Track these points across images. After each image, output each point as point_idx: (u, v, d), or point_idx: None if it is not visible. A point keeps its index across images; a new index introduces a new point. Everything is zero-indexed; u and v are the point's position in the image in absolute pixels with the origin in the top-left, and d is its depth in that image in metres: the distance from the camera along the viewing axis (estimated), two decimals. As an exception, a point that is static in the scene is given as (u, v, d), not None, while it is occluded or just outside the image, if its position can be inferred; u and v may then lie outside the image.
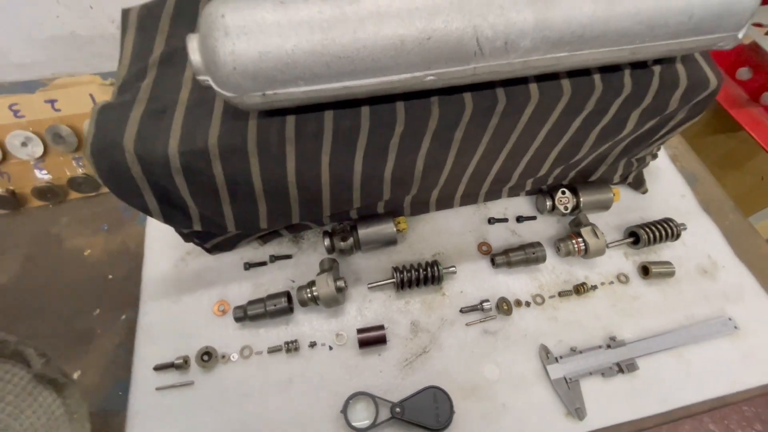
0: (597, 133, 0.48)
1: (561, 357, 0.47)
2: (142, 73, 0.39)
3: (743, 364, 0.48)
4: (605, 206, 0.56)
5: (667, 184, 0.62)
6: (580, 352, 0.47)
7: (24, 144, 0.53)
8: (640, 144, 0.53)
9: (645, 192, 0.61)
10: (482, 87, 0.41)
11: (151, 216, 0.41)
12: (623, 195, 0.61)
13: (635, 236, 0.55)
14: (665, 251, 0.56)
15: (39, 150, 0.54)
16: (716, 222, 0.59)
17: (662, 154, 0.66)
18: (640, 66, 0.43)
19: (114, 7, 0.75)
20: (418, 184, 0.49)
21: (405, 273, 0.50)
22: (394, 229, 0.51)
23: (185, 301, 0.50)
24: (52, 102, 0.53)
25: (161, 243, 0.53)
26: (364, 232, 0.51)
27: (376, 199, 0.50)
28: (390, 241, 0.52)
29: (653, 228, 0.54)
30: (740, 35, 0.38)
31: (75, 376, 0.46)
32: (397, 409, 0.41)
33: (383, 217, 0.52)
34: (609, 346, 0.48)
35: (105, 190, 0.59)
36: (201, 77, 0.31)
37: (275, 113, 0.38)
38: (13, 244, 0.54)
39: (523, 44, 0.33)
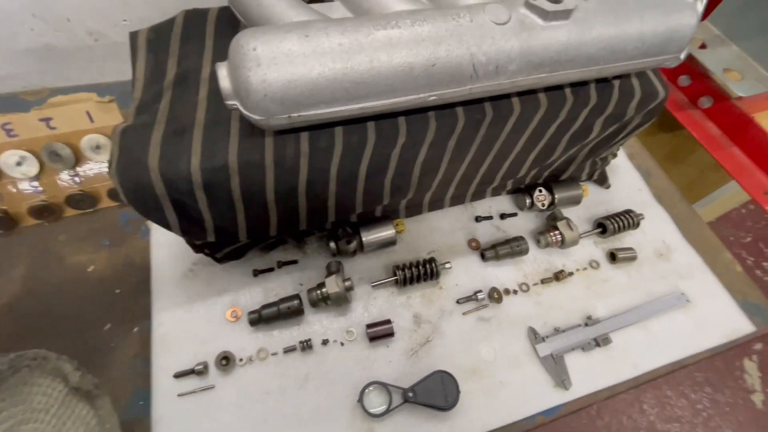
0: (568, 139, 0.55)
1: (547, 337, 0.53)
2: (158, 95, 0.41)
3: (695, 331, 0.57)
4: (576, 201, 0.63)
5: (626, 179, 0.71)
6: (563, 331, 0.54)
7: (19, 163, 0.53)
8: (603, 146, 0.60)
9: (608, 187, 0.69)
10: (472, 102, 0.46)
11: (170, 230, 0.43)
12: (590, 191, 0.68)
13: (603, 227, 0.62)
14: (628, 238, 0.64)
15: (34, 169, 0.54)
16: (668, 210, 0.68)
17: (621, 153, 0.74)
18: (602, 81, 0.50)
19: (93, 19, 0.74)
20: (414, 189, 0.54)
21: (406, 271, 0.54)
22: (394, 232, 0.56)
23: (197, 310, 0.52)
24: (47, 120, 0.53)
25: (168, 255, 0.55)
26: (368, 235, 0.55)
27: (376, 204, 0.55)
28: (390, 243, 0.56)
29: (618, 219, 0.62)
30: (682, 56, 0.45)
31: (95, 389, 0.46)
32: (410, 394, 0.46)
33: (383, 220, 0.57)
34: (586, 324, 0.55)
35: (102, 206, 0.59)
36: (229, 102, 0.34)
37: (291, 131, 0.41)
38: (11, 265, 0.54)
39: (510, 68, 0.38)
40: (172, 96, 0.41)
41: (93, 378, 0.37)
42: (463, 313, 0.55)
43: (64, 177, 0.56)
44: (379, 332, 0.51)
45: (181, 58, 0.43)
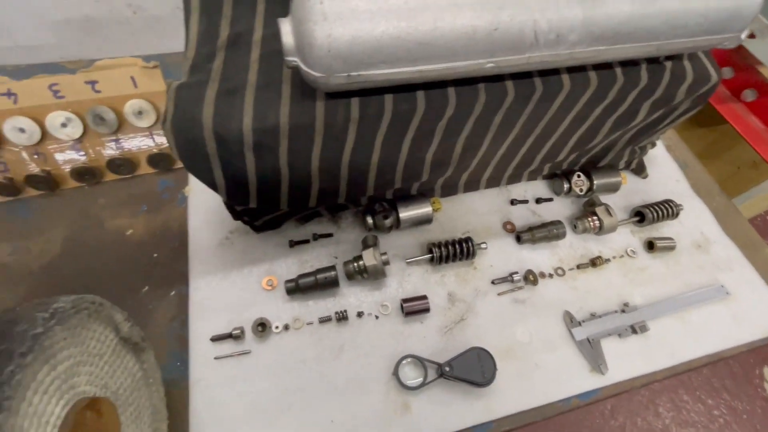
0: (612, 122, 0.54)
1: (583, 321, 0.53)
2: (211, 56, 0.41)
3: (734, 324, 0.55)
4: (614, 189, 0.62)
5: (664, 170, 0.69)
6: (599, 317, 0.53)
7: (64, 125, 0.53)
8: (646, 132, 0.59)
9: (646, 177, 0.68)
10: (522, 76, 0.45)
11: (216, 190, 0.43)
12: (627, 180, 0.67)
13: (641, 215, 0.61)
14: (665, 229, 0.63)
15: (78, 131, 0.54)
16: (706, 203, 0.66)
17: (659, 144, 0.73)
18: (654, 61, 0.49)
19: (132, -9, 0.75)
20: (453, 167, 0.53)
21: (442, 249, 0.54)
22: (431, 209, 0.55)
23: (234, 278, 0.52)
24: (92, 83, 0.53)
25: (205, 223, 0.55)
26: (404, 211, 0.54)
27: (414, 181, 0.54)
28: (426, 220, 0.56)
29: (657, 208, 0.60)
30: (743, 36, 0.44)
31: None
32: (447, 368, 0.46)
33: (419, 198, 0.56)
34: (623, 311, 0.54)
35: (141, 172, 0.59)
36: (290, 58, 0.34)
37: (340, 95, 0.41)
38: (53, 225, 0.54)
39: (571, 38, 0.37)
40: (224, 57, 0.41)
41: (140, 330, 0.37)
42: (498, 294, 0.54)
43: (107, 141, 0.56)
44: (416, 307, 0.50)
45: (233, 20, 0.43)
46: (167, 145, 0.56)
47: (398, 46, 0.33)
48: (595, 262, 0.57)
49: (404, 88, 0.42)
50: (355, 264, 0.51)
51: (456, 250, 0.54)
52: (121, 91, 0.54)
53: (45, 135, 0.53)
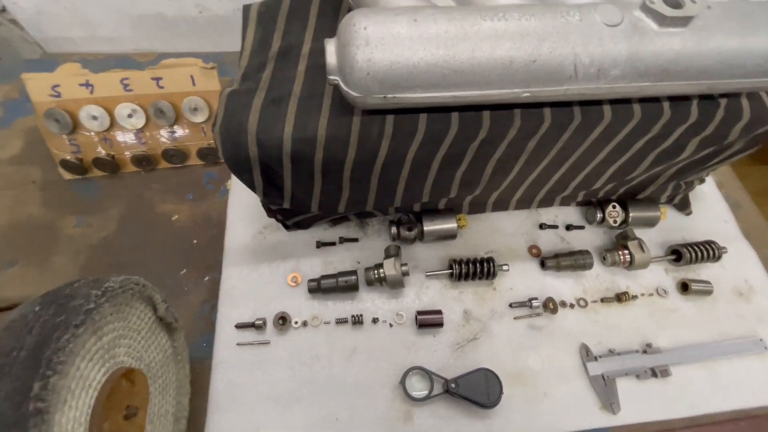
0: (655, 156, 0.52)
1: (600, 356, 0.51)
2: (262, 65, 0.44)
3: (770, 382, 0.52)
4: (652, 223, 0.60)
5: (712, 209, 0.65)
6: (618, 354, 0.52)
7: (130, 115, 0.59)
8: (693, 169, 0.56)
9: (689, 214, 0.65)
10: (560, 104, 0.45)
11: (254, 191, 0.47)
12: (668, 215, 0.64)
13: (677, 254, 0.58)
14: (704, 271, 0.60)
15: (141, 122, 0.60)
16: (756, 249, 0.62)
17: (709, 179, 0.69)
18: (707, 97, 0.47)
19: (202, -8, 0.81)
20: (482, 187, 0.54)
21: (462, 265, 0.54)
22: (456, 225, 0.56)
23: (262, 270, 0.55)
24: (157, 79, 0.58)
25: (241, 216, 0.59)
26: (429, 224, 0.55)
27: (442, 196, 0.55)
28: (450, 236, 0.57)
29: (696, 248, 0.57)
30: (809, 80, 0.41)
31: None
32: (453, 385, 0.46)
33: (446, 212, 0.57)
34: (645, 352, 0.52)
35: (190, 163, 0.64)
36: (332, 77, 0.36)
37: (377, 112, 0.42)
38: (112, 204, 0.60)
39: (613, 72, 0.37)
40: (274, 67, 0.44)
41: (174, 312, 0.41)
42: (515, 318, 0.54)
43: (164, 132, 0.61)
44: (430, 320, 0.51)
45: (285, 33, 0.46)
46: (216, 140, 0.60)
47: (435, 72, 0.34)
48: (620, 298, 0.56)
49: (439, 109, 0.43)
50: (376, 272, 0.53)
51: (476, 269, 0.54)
52: (181, 88, 0.59)
53: (113, 123, 0.60)
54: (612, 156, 0.51)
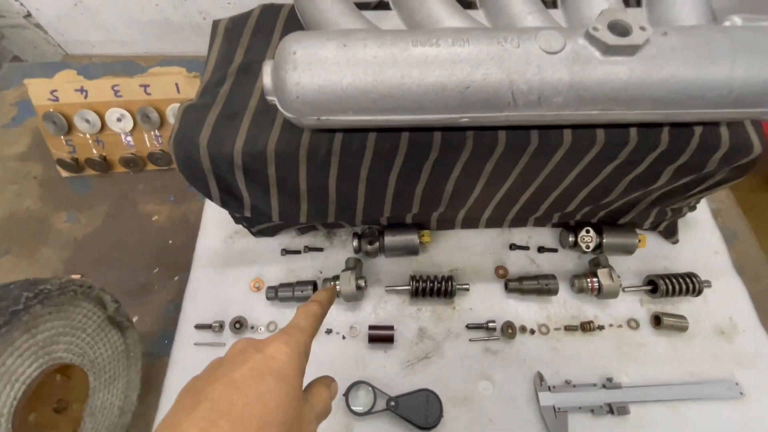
0: (628, 182, 0.49)
1: (554, 387, 0.50)
2: (222, 80, 0.46)
3: (741, 430, 0.48)
4: (628, 250, 0.57)
5: (702, 238, 0.61)
6: (574, 386, 0.50)
7: (119, 119, 0.63)
8: (675, 196, 0.53)
9: (675, 242, 0.61)
10: (517, 127, 0.43)
11: (212, 200, 0.49)
12: (652, 241, 0.61)
13: (653, 284, 0.55)
14: (684, 305, 0.56)
15: (129, 125, 0.63)
16: (747, 285, 0.58)
17: (703, 206, 0.64)
18: (681, 125, 0.44)
19: (204, 0, 0.84)
20: (445, 204, 0.53)
21: (421, 283, 0.54)
22: (418, 241, 0.56)
23: (227, 274, 0.58)
24: (145, 86, 0.62)
25: (215, 220, 0.61)
26: (390, 239, 0.56)
27: (406, 212, 0.55)
28: (412, 251, 0.56)
29: (674, 279, 0.54)
30: (787, 111, 0.38)
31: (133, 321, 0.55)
32: (392, 403, 0.46)
33: (410, 227, 0.57)
34: (604, 386, 0.50)
35: (174, 166, 0.67)
36: (269, 97, 0.37)
37: (327, 130, 0.43)
38: (100, 202, 0.65)
39: (556, 100, 0.36)
40: (233, 82, 0.46)
41: (126, 311, 0.44)
42: (470, 340, 0.53)
43: (150, 136, 0.65)
44: (379, 335, 0.52)
45: (248, 48, 0.48)
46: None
47: (364, 97, 0.34)
48: (585, 327, 0.53)
49: (389, 129, 0.43)
50: (332, 284, 0.53)
51: (433, 287, 0.54)
52: (166, 95, 0.62)
53: (104, 126, 0.63)
54: (581, 180, 0.49)
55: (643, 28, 0.34)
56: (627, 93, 0.35)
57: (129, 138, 0.65)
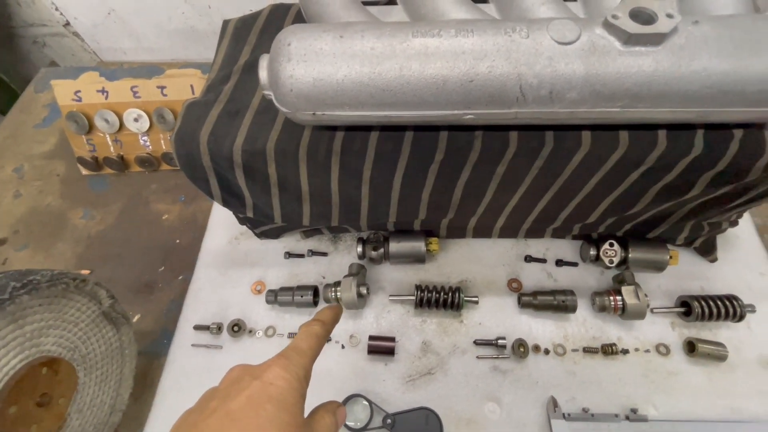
0: (656, 191, 0.45)
1: (569, 414, 0.45)
2: (227, 78, 0.46)
3: (793, 481, 0.42)
4: (658, 267, 0.52)
5: (745, 257, 0.55)
6: (592, 415, 0.45)
7: (136, 119, 0.64)
8: (712, 209, 0.48)
9: (714, 261, 0.55)
10: (530, 128, 0.40)
11: (213, 199, 0.48)
12: (687, 259, 0.55)
13: (687, 306, 0.50)
14: (723, 331, 0.50)
15: (146, 126, 0.65)
16: (799, 312, 0.51)
17: (747, 221, 0.58)
18: (718, 126, 0.40)
19: (228, 8, 0.86)
20: (454, 211, 0.50)
21: (426, 293, 0.51)
22: (424, 249, 0.53)
23: (230, 276, 0.57)
24: (162, 88, 0.63)
25: (222, 221, 0.61)
26: (395, 245, 0.53)
27: (412, 217, 0.52)
28: (419, 259, 0.54)
29: (711, 302, 0.48)
30: (844, 111, 0.33)
31: (135, 319, 0.55)
32: (389, 420, 0.43)
33: (417, 234, 0.54)
34: (627, 418, 0.45)
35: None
36: (265, 92, 0.36)
37: (327, 128, 0.42)
38: (115, 200, 0.66)
39: (569, 95, 0.33)
40: (237, 80, 0.45)
41: (122, 308, 0.43)
42: (478, 357, 0.49)
43: (165, 137, 0.66)
44: (380, 347, 0.49)
45: (255, 47, 0.47)
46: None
47: (360, 91, 0.33)
48: (607, 350, 0.48)
49: (392, 127, 0.41)
50: (333, 290, 0.51)
51: (440, 298, 0.50)
52: (181, 96, 0.63)
53: (122, 126, 0.65)
54: (602, 188, 0.45)
55: (670, 16, 0.30)
56: (652, 88, 0.32)
57: (145, 138, 0.66)
